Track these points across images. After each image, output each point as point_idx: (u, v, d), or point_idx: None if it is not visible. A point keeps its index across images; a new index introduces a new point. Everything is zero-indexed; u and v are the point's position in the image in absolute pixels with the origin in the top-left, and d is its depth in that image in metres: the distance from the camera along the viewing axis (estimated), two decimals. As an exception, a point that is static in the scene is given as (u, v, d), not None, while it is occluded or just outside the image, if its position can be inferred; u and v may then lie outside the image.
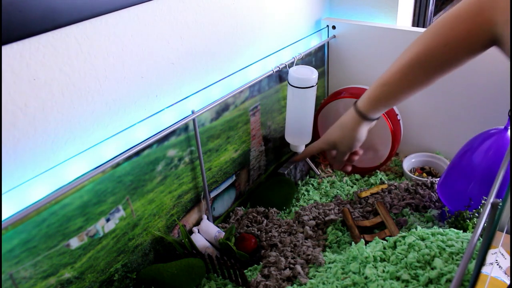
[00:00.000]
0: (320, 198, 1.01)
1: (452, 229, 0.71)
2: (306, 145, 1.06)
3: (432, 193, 0.92)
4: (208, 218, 0.89)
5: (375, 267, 0.66)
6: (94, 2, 0.61)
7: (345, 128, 0.85)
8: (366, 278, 0.65)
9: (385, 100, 0.80)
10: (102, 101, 0.67)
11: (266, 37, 0.97)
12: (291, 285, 0.75)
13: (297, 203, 1.00)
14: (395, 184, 0.98)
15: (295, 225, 0.90)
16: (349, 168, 0.94)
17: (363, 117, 0.82)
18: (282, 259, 0.80)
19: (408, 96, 0.79)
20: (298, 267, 0.77)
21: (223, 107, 0.85)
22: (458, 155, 0.84)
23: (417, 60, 0.73)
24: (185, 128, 0.78)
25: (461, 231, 0.70)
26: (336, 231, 0.88)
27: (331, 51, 1.13)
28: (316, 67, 0.97)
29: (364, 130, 0.85)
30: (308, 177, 1.10)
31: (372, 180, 1.05)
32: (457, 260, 0.62)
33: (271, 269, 0.78)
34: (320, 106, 1.09)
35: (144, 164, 0.72)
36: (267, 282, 0.75)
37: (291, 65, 0.97)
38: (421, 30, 1.00)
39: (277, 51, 0.99)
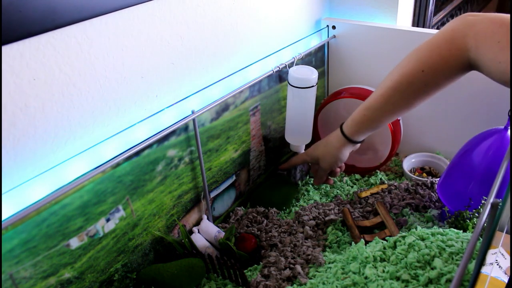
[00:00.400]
0: (320, 198, 1.01)
1: (452, 229, 0.71)
2: (306, 145, 1.07)
3: (432, 193, 0.92)
4: (208, 218, 0.89)
5: (375, 267, 0.66)
6: (94, 2, 0.61)
7: (329, 146, 0.91)
8: (366, 278, 0.65)
9: (367, 124, 0.84)
10: (102, 101, 0.67)
11: (266, 37, 0.97)
12: (291, 285, 0.75)
13: (297, 203, 1.00)
14: (395, 184, 0.98)
15: (295, 225, 0.90)
16: (331, 182, 1.00)
17: (347, 139, 0.87)
18: (282, 259, 0.80)
19: (390, 119, 0.83)
20: (298, 267, 0.77)
21: (223, 107, 0.85)
22: (458, 155, 0.84)
23: (397, 86, 0.77)
24: (185, 128, 0.78)
25: (461, 231, 0.70)
26: (336, 231, 0.88)
27: (331, 51, 1.13)
28: (316, 67, 0.97)
29: (347, 151, 0.91)
30: (308, 177, 1.10)
31: (372, 180, 1.05)
32: (457, 260, 0.62)
33: (271, 269, 0.78)
34: (320, 106, 1.09)
35: (144, 164, 0.72)
36: (267, 282, 0.75)
37: (291, 65, 0.97)
38: (421, 30, 1.00)
39: (277, 51, 0.99)
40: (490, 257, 0.72)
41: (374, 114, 0.82)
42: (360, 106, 0.84)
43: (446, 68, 0.72)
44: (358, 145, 0.91)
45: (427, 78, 0.73)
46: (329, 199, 1.00)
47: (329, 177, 1.00)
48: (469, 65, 0.71)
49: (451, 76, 0.73)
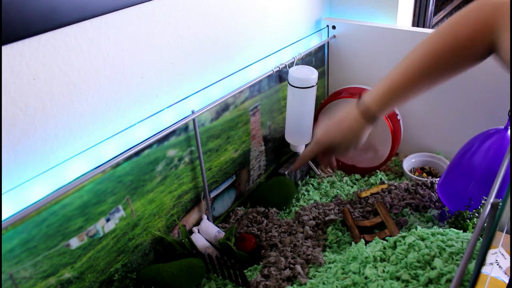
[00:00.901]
0: (320, 198, 1.01)
1: (452, 229, 0.71)
2: (306, 145, 1.07)
3: (432, 193, 0.92)
4: (208, 218, 0.89)
5: (375, 267, 0.66)
6: (94, 2, 0.61)
7: (347, 130, 0.80)
8: (366, 278, 0.65)
9: (391, 101, 0.76)
10: (102, 101, 0.67)
11: (266, 37, 0.97)
12: (291, 285, 0.75)
13: (297, 203, 1.00)
14: (395, 184, 0.98)
15: (295, 225, 0.90)
16: (336, 165, 0.88)
17: (369, 118, 0.78)
18: (282, 259, 0.80)
19: (413, 97, 0.76)
20: (298, 267, 0.77)
21: (223, 107, 0.85)
22: (458, 155, 0.84)
23: (426, 61, 0.72)
24: (185, 128, 0.78)
25: (461, 231, 0.70)
26: (336, 231, 0.88)
27: (331, 51, 1.13)
28: (316, 67, 0.97)
29: (367, 132, 0.81)
30: (308, 177, 1.10)
31: (372, 180, 1.05)
32: (457, 260, 0.62)
33: (271, 269, 0.78)
34: (320, 106, 1.09)
35: (144, 164, 0.72)
36: (267, 282, 0.75)
37: (291, 65, 0.97)
38: (421, 30, 1.00)
39: (277, 51, 0.99)
40: (490, 257, 0.72)
41: (398, 91, 0.75)
42: (380, 86, 0.77)
43: (474, 46, 0.68)
44: (376, 124, 0.81)
45: (455, 55, 0.69)
46: (329, 199, 1.00)
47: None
48: (491, 47, 0.67)
49: (474, 58, 0.69)
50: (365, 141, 0.96)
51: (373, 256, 0.67)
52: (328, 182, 1.07)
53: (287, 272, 0.77)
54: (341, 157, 0.85)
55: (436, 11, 1.33)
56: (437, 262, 0.62)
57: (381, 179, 1.05)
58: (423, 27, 1.23)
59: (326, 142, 0.82)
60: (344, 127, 0.80)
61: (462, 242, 0.66)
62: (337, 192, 1.02)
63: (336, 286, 0.67)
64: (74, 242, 0.64)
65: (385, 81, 0.76)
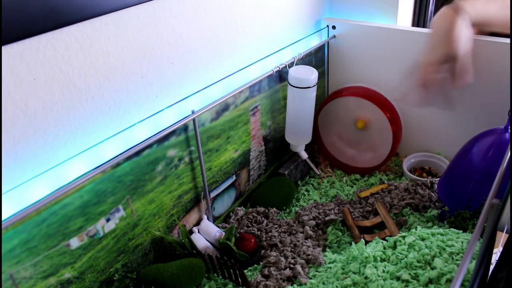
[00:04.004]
0: (320, 198, 1.01)
1: (452, 229, 0.71)
2: (306, 145, 1.07)
3: (432, 193, 0.92)
4: (208, 218, 0.89)
5: (375, 267, 0.66)
6: (94, 2, 0.61)
7: (442, 29, 0.80)
8: (366, 278, 0.65)
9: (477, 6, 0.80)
10: (102, 101, 0.67)
11: (266, 37, 0.97)
12: (291, 285, 0.75)
13: (297, 203, 1.00)
14: (395, 184, 0.98)
15: (295, 225, 0.90)
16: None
17: (457, 9, 0.80)
18: (282, 259, 0.80)
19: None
20: (298, 267, 0.77)
21: (223, 107, 0.85)
22: (458, 155, 0.84)
23: None
24: (185, 128, 0.78)
25: (461, 231, 0.70)
26: (336, 231, 0.88)
27: (331, 51, 1.13)
28: (316, 67, 0.97)
29: (461, 25, 0.80)
30: (308, 177, 1.10)
31: (372, 180, 1.05)
32: (457, 260, 0.62)
33: (271, 269, 0.78)
34: (320, 106, 1.09)
35: (144, 164, 0.72)
36: (267, 282, 0.75)
37: (291, 65, 0.97)
38: (421, 30, 1.00)
39: (277, 51, 0.99)
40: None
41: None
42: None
43: None
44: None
45: None
46: (329, 199, 1.00)
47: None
48: None
49: None
50: (365, 141, 0.96)
51: (373, 256, 0.67)
52: (328, 182, 1.07)
53: (287, 272, 0.77)
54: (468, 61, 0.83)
55: (436, 11, 1.33)
56: (437, 262, 0.62)
57: (381, 179, 1.05)
58: (423, 27, 1.23)
59: (441, 52, 0.81)
60: (436, 30, 0.81)
61: (462, 242, 0.66)
62: (337, 192, 1.02)
63: (336, 286, 0.67)
64: (74, 242, 0.64)
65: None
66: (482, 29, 0.87)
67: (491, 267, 0.70)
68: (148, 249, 0.78)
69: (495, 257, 0.72)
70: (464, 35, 0.81)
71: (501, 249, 0.76)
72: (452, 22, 0.80)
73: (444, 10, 0.82)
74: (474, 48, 0.92)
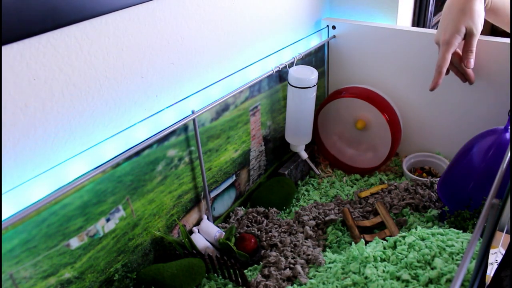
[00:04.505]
0: (320, 198, 1.01)
1: (452, 229, 0.71)
2: (306, 145, 1.07)
3: (432, 193, 0.92)
4: (208, 218, 0.89)
5: (375, 267, 0.66)
6: (94, 2, 0.61)
7: (473, 10, 0.81)
8: (366, 278, 0.65)
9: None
10: (102, 101, 0.67)
11: (266, 37, 0.97)
12: (291, 285, 0.75)
13: (297, 203, 1.00)
14: (395, 184, 0.98)
15: (295, 225, 0.90)
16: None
17: None
18: (282, 259, 0.80)
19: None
20: (298, 267, 0.77)
21: (223, 107, 0.85)
22: (458, 155, 0.84)
23: None
24: (185, 128, 0.78)
25: (461, 231, 0.70)
26: (336, 231, 0.88)
27: (331, 51, 1.13)
28: (316, 67, 0.97)
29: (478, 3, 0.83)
30: (308, 177, 1.10)
31: (372, 180, 1.05)
32: (457, 260, 0.62)
33: (271, 269, 0.78)
34: (320, 106, 1.09)
35: (144, 164, 0.72)
36: (267, 282, 0.75)
37: (291, 65, 0.97)
38: (421, 30, 1.00)
39: (277, 51, 0.99)
40: (490, 257, 0.72)
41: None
42: None
43: None
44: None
45: None
46: (329, 199, 1.00)
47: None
48: None
49: None
50: (365, 141, 0.96)
51: (373, 256, 0.67)
52: (328, 182, 1.07)
53: (287, 272, 0.77)
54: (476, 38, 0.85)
55: (436, 11, 1.33)
56: (437, 262, 0.62)
57: (381, 179, 1.05)
58: (423, 27, 1.23)
59: (458, 29, 0.82)
60: (452, 7, 0.82)
61: (462, 242, 0.66)
62: (337, 192, 1.02)
63: (336, 286, 0.67)
64: (74, 242, 0.65)
65: None
66: (491, 18, 0.88)
67: (491, 267, 0.70)
68: (148, 249, 0.78)
69: (494, 257, 0.72)
70: (482, 13, 0.82)
71: (501, 249, 0.76)
72: (482, 9, 0.81)
73: None
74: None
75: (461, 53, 0.87)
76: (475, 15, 0.81)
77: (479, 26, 0.82)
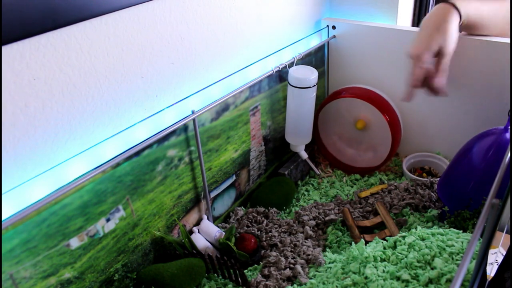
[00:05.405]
0: (320, 198, 1.01)
1: (452, 229, 0.71)
2: (306, 145, 1.07)
3: (432, 193, 0.92)
4: (208, 218, 0.89)
5: (375, 267, 0.66)
6: (94, 2, 0.61)
7: (448, 29, 0.84)
8: (366, 278, 0.65)
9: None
10: (102, 101, 0.67)
11: (266, 37, 0.97)
12: (291, 285, 0.75)
13: (297, 203, 1.00)
14: (395, 184, 0.98)
15: (295, 225, 0.90)
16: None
17: (451, 4, 0.85)
18: (282, 259, 0.80)
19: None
20: (298, 267, 0.77)
21: (223, 107, 0.85)
22: (458, 155, 0.84)
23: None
24: (185, 128, 0.78)
25: (461, 231, 0.70)
26: (336, 231, 0.88)
27: (331, 51, 1.13)
28: (316, 67, 0.97)
29: (454, 22, 0.85)
30: (308, 177, 1.10)
31: (372, 180, 1.05)
32: (457, 260, 0.62)
33: (271, 269, 0.78)
34: (320, 106, 1.09)
35: (144, 164, 0.72)
36: (267, 282, 0.75)
37: (291, 65, 0.97)
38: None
39: (277, 51, 0.99)
40: (490, 257, 0.72)
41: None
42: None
43: None
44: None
45: None
46: (329, 199, 1.00)
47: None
48: None
49: None
50: (365, 141, 0.96)
51: (373, 256, 0.67)
52: (328, 182, 1.07)
53: (287, 272, 0.77)
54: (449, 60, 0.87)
55: (436, 11, 1.33)
56: (437, 262, 0.62)
57: (381, 179, 1.05)
58: (423, 27, 1.23)
59: (432, 46, 0.84)
60: (444, 28, 0.84)
61: (462, 242, 0.66)
62: (337, 192, 1.02)
63: (336, 286, 0.67)
64: (74, 242, 0.65)
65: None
66: (471, 31, 0.91)
67: (490, 268, 0.70)
68: (148, 249, 0.78)
69: (494, 257, 0.72)
70: (455, 34, 0.85)
71: (501, 249, 0.76)
72: (446, 18, 0.84)
73: (440, 5, 0.86)
74: (474, 48, 0.92)
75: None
76: (448, 36, 0.84)
77: (451, 46, 0.85)
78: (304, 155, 1.07)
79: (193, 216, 0.87)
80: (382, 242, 0.71)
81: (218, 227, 0.88)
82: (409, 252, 0.66)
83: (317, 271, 0.77)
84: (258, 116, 0.97)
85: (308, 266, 0.79)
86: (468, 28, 0.89)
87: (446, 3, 0.85)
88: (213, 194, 0.90)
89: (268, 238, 0.87)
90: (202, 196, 0.87)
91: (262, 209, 0.94)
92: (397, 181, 1.03)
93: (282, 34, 1.02)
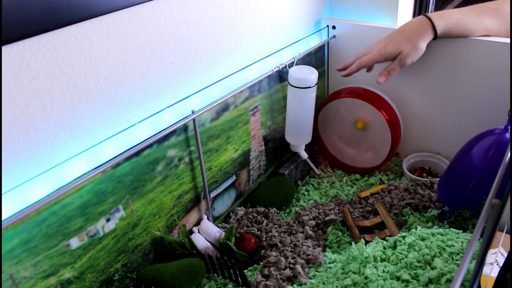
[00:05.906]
0: (320, 198, 1.01)
1: (452, 229, 0.71)
2: (306, 145, 1.07)
3: (432, 193, 0.92)
4: (208, 218, 0.89)
5: (375, 267, 0.66)
6: (94, 2, 0.61)
7: (416, 41, 0.89)
8: (366, 278, 0.65)
9: (451, 15, 0.89)
10: (102, 101, 0.67)
11: (266, 37, 0.97)
12: (291, 285, 0.75)
13: (297, 203, 1.00)
14: (395, 184, 0.98)
15: (295, 225, 0.90)
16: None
17: (436, 34, 0.90)
18: (282, 259, 0.80)
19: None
20: (298, 267, 0.77)
21: (223, 107, 0.85)
22: (458, 155, 0.84)
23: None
24: (185, 128, 0.78)
25: (461, 231, 0.70)
26: (336, 231, 0.88)
27: (331, 51, 1.13)
28: (316, 67, 0.97)
29: (428, 36, 0.91)
30: (308, 177, 1.10)
31: (372, 180, 1.05)
32: (457, 260, 0.62)
33: (271, 269, 0.78)
34: (320, 106, 1.09)
35: (144, 164, 0.72)
36: (267, 282, 0.75)
37: (291, 65, 0.97)
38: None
39: (277, 51, 0.99)
40: (490, 257, 0.72)
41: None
42: (455, 10, 0.91)
43: None
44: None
45: None
46: (329, 199, 1.00)
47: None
48: None
49: None
50: (365, 141, 0.96)
51: (373, 256, 0.67)
52: (328, 182, 1.07)
53: (287, 272, 0.77)
54: (398, 66, 0.93)
55: (436, 11, 1.33)
56: (437, 262, 0.62)
57: (381, 179, 1.05)
58: (423, 27, 1.23)
59: (392, 50, 0.91)
60: (413, 38, 0.90)
61: (462, 242, 0.66)
62: (337, 192, 1.02)
63: (336, 286, 0.67)
64: (74, 242, 0.65)
65: (459, 11, 0.91)
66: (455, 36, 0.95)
67: (491, 268, 0.70)
68: (148, 249, 0.78)
69: (494, 257, 0.72)
70: (421, 51, 0.91)
71: (501, 249, 0.76)
72: (420, 34, 0.90)
73: (421, 19, 0.90)
74: (474, 48, 0.92)
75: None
76: (416, 50, 0.90)
77: (410, 59, 0.91)
78: (304, 155, 1.07)
79: (193, 216, 0.87)
80: (382, 242, 0.71)
81: (218, 227, 0.88)
82: (409, 252, 0.66)
83: (317, 271, 0.77)
84: (258, 116, 0.97)
85: (308, 266, 0.79)
86: (445, 35, 0.92)
87: (427, 18, 0.90)
88: (213, 194, 0.90)
89: (268, 238, 0.87)
90: (202, 196, 0.87)
91: (262, 209, 0.94)
92: (397, 181, 1.03)
93: (282, 34, 1.02)
